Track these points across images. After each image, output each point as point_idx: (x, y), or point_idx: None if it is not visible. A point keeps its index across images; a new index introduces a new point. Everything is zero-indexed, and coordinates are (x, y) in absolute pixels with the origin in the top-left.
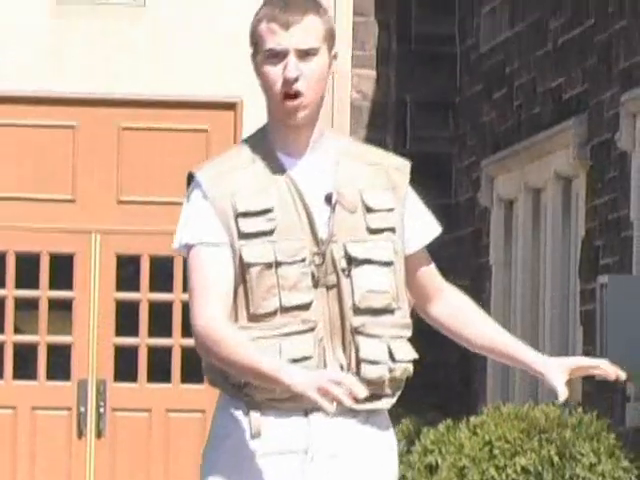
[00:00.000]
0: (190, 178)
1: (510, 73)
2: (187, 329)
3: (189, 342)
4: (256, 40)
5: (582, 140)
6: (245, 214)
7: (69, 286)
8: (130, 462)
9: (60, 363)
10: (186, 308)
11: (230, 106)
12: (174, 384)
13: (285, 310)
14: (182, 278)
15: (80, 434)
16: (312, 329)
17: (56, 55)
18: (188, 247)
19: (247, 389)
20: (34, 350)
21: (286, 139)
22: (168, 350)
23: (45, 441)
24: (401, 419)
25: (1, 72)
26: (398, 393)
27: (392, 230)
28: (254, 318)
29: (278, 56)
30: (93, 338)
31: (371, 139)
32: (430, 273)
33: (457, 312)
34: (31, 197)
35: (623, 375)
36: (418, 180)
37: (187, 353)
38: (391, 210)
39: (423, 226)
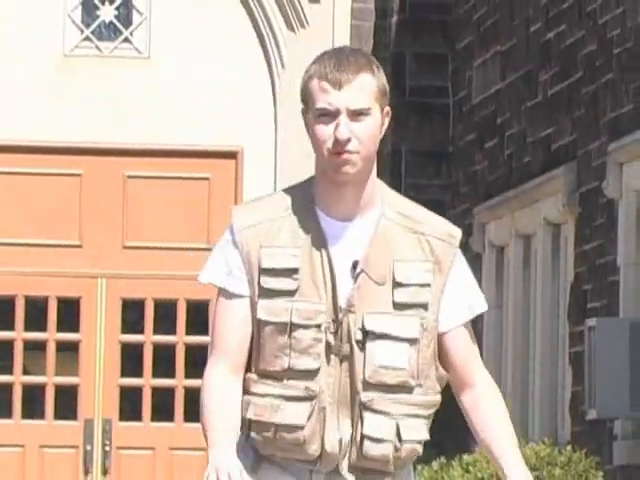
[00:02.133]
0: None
1: (501, 123)
2: (189, 370)
3: (191, 382)
4: (307, 98)
5: (571, 188)
6: (268, 271)
7: (76, 329)
8: None
9: (67, 403)
10: (189, 350)
11: (231, 155)
12: (177, 423)
13: (292, 372)
14: (185, 321)
15: (87, 472)
16: (312, 398)
17: (63, 106)
18: (214, 286)
19: (252, 441)
20: (42, 390)
21: (328, 199)
22: (171, 390)
23: (53, 478)
24: None
25: (10, 122)
26: (401, 473)
27: (424, 306)
28: (263, 374)
29: (330, 115)
30: (99, 379)
31: None
32: (464, 357)
33: (480, 410)
34: (39, 243)
35: None
36: None
37: (189, 393)
38: (425, 285)
39: (463, 304)
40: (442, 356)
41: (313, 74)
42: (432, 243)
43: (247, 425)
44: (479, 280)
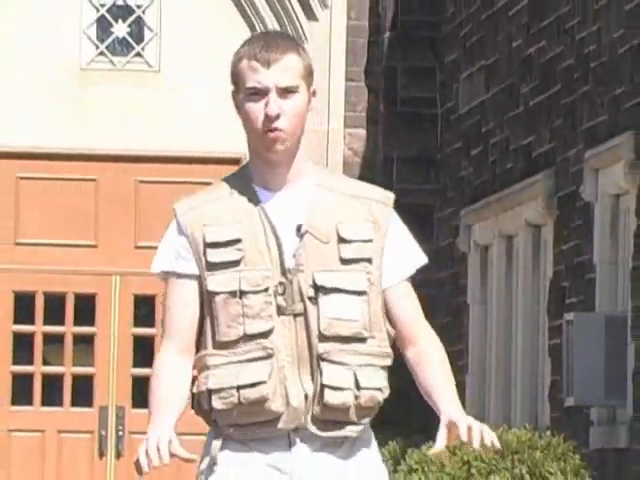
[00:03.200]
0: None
1: (486, 132)
2: None
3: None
4: (237, 78)
5: (550, 192)
6: (213, 244)
7: (91, 323)
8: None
9: (83, 391)
10: None
11: (234, 161)
12: (185, 410)
13: (248, 338)
14: None
15: (101, 455)
16: (270, 356)
17: (80, 116)
18: (164, 274)
19: (215, 415)
20: (60, 380)
21: (264, 173)
22: None
23: (70, 461)
24: (388, 441)
25: (31, 131)
26: (365, 421)
27: (368, 260)
28: (219, 345)
29: (259, 93)
30: (113, 369)
31: None
32: (408, 312)
33: (421, 364)
34: (58, 243)
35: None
36: None
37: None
38: (369, 241)
39: (403, 260)
40: (387, 312)
41: (243, 55)
42: (369, 204)
43: (207, 398)
44: (465, 277)
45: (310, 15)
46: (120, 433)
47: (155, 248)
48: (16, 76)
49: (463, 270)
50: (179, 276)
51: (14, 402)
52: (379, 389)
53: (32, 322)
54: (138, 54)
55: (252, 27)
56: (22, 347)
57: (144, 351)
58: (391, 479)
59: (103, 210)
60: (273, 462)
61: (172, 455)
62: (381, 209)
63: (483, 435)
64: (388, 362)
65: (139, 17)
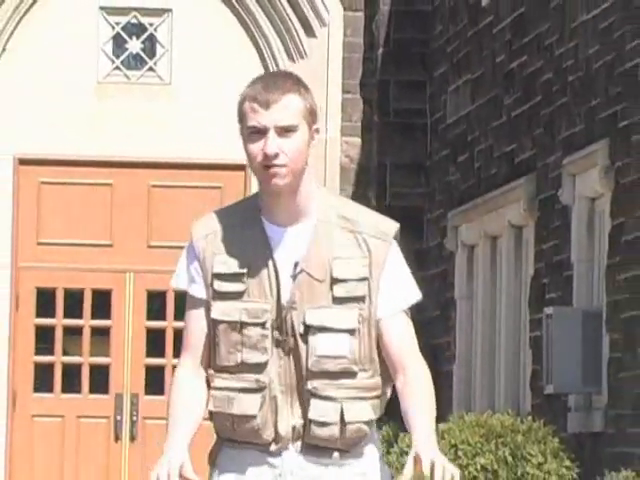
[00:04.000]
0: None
1: (471, 140)
2: None
3: None
4: (241, 117)
5: (531, 196)
6: (219, 275)
7: (107, 316)
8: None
9: (100, 380)
10: None
11: (240, 167)
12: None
13: (245, 366)
14: None
15: (117, 438)
16: (262, 389)
17: (97, 126)
18: (182, 290)
19: (215, 428)
20: (78, 369)
21: (270, 208)
22: None
23: (88, 444)
24: (382, 426)
25: (52, 140)
26: (354, 448)
27: (361, 299)
28: (220, 369)
29: (259, 132)
30: (127, 359)
31: (357, 195)
32: (397, 343)
33: (405, 395)
34: (76, 243)
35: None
36: None
37: None
38: (363, 279)
39: (397, 295)
40: (380, 342)
41: (245, 96)
42: (368, 241)
43: (210, 415)
44: (452, 274)
45: (309, 32)
46: (134, 418)
47: (166, 247)
48: (39, 89)
49: (451, 268)
50: (193, 299)
51: (36, 390)
52: (366, 422)
53: (53, 316)
54: (151, 69)
55: (256, 44)
56: (44, 339)
57: (156, 342)
58: (384, 461)
59: (118, 212)
60: (265, 461)
61: (183, 478)
62: (379, 245)
63: (444, 472)
64: (378, 392)
65: (152, 34)
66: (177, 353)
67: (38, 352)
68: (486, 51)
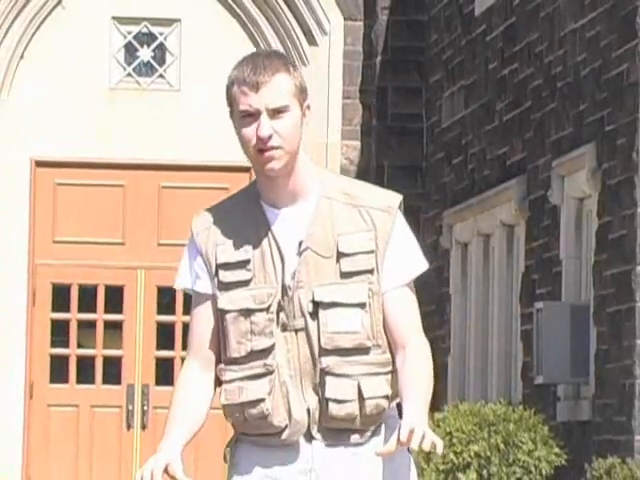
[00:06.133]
0: None
1: (465, 144)
2: None
3: None
4: (231, 102)
5: (522, 196)
6: (224, 265)
7: (120, 311)
8: None
9: (113, 371)
10: None
11: (245, 169)
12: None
13: (254, 354)
14: None
15: (129, 427)
16: (270, 372)
17: (109, 130)
18: (187, 290)
19: (231, 423)
20: (92, 361)
21: (268, 191)
22: None
23: (101, 432)
24: None
25: (67, 143)
26: (372, 427)
27: (370, 272)
28: (230, 361)
29: (251, 116)
30: (139, 351)
31: None
32: (399, 317)
33: (403, 370)
34: (90, 241)
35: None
36: None
37: None
38: (370, 252)
39: (401, 267)
40: (383, 316)
41: (234, 80)
42: (372, 214)
43: (223, 410)
44: (447, 270)
45: (311, 41)
46: (145, 408)
47: (175, 245)
48: (54, 95)
49: (446, 264)
50: (198, 294)
51: (52, 380)
52: (384, 397)
53: (68, 310)
54: (161, 76)
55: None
56: (59, 332)
57: (166, 335)
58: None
59: (130, 212)
60: (287, 456)
61: (171, 477)
62: (383, 218)
63: (424, 439)
64: (391, 367)
65: (161, 43)
66: (186, 345)
67: (54, 345)
68: (479, 59)
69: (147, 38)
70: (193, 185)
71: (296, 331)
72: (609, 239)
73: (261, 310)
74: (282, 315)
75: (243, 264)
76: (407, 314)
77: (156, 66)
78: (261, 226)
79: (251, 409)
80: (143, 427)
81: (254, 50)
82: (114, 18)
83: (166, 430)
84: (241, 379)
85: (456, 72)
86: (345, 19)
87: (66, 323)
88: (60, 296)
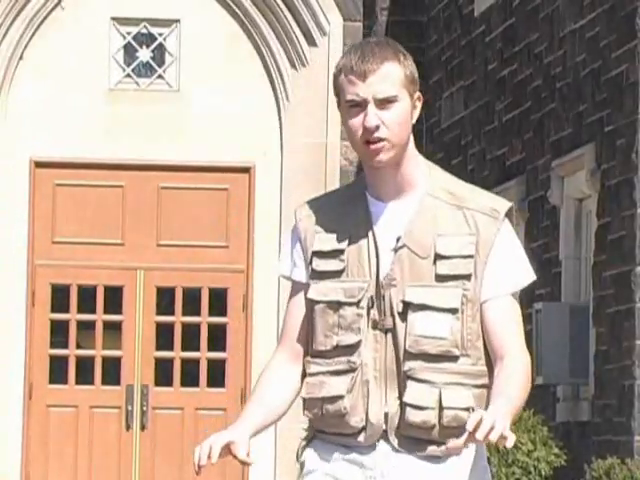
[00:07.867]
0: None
1: (465, 144)
2: (211, 345)
3: (212, 355)
4: (337, 91)
5: (521, 196)
6: (318, 253)
7: (119, 311)
8: (167, 450)
9: (112, 372)
10: (210, 328)
11: (245, 170)
12: (201, 388)
13: (340, 349)
14: (207, 305)
15: (128, 427)
16: (353, 370)
17: (109, 131)
18: (286, 278)
19: (309, 418)
20: (92, 361)
21: (374, 184)
22: (197, 361)
23: (100, 433)
24: None
25: (67, 144)
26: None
27: (467, 277)
28: (316, 354)
29: (358, 106)
30: (138, 352)
31: None
32: (497, 328)
33: (497, 378)
34: (89, 241)
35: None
36: None
37: (211, 363)
38: (468, 257)
39: (504, 276)
40: (482, 326)
41: (341, 68)
42: (476, 217)
43: (303, 404)
44: None
45: (311, 41)
46: (144, 408)
47: (175, 246)
48: (54, 96)
49: None
50: (295, 283)
51: (51, 381)
52: (466, 409)
53: (67, 311)
54: (160, 76)
55: (260, 52)
56: (58, 333)
57: (165, 336)
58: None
59: (129, 213)
60: (355, 458)
61: (233, 456)
62: (488, 223)
63: (492, 430)
64: (482, 381)
65: (161, 44)
66: (185, 346)
67: (53, 345)
68: (479, 59)
69: (146, 39)
70: (192, 186)
71: (386, 331)
72: (608, 240)
73: (350, 304)
74: (373, 312)
75: (337, 254)
76: (508, 324)
77: (155, 67)
78: (362, 218)
79: (329, 405)
80: (142, 428)
81: (253, 50)
82: (113, 19)
83: (241, 413)
84: (324, 373)
85: (455, 73)
86: (344, 20)
87: (65, 323)
88: (59, 296)
